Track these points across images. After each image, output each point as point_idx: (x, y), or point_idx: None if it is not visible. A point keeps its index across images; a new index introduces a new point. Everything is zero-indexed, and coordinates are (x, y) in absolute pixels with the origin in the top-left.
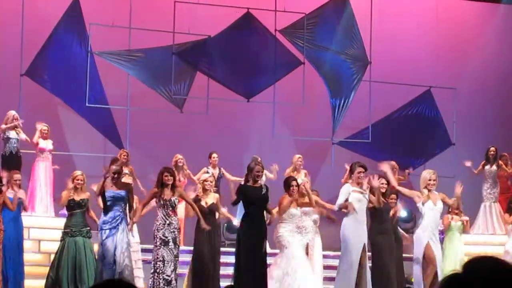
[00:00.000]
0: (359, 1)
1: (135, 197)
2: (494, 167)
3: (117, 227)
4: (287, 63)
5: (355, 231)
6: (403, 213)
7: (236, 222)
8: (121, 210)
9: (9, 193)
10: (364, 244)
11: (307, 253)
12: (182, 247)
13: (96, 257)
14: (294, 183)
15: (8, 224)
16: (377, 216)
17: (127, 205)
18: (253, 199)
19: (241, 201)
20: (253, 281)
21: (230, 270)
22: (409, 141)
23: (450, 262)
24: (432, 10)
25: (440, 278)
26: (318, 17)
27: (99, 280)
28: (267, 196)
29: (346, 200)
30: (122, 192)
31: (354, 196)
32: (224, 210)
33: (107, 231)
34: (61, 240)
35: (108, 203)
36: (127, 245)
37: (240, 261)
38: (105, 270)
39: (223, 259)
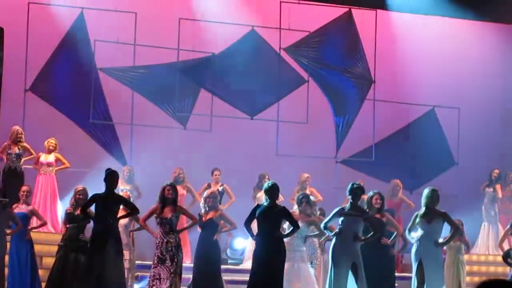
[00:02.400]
0: (364, 21)
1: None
2: (492, 189)
3: (105, 240)
4: (291, 81)
5: (344, 250)
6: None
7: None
8: (109, 222)
9: (20, 209)
10: (354, 262)
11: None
12: (186, 264)
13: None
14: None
15: (15, 241)
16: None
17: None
18: (261, 218)
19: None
20: None
21: None
22: (413, 161)
23: (448, 283)
24: (436, 30)
25: None
26: (323, 35)
27: None
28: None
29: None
30: (111, 203)
31: (344, 219)
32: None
33: (96, 244)
34: (56, 254)
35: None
36: (115, 259)
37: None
38: (90, 284)
39: (227, 276)
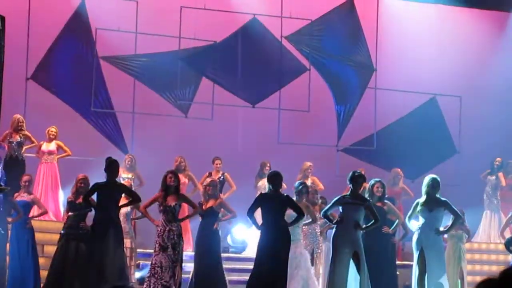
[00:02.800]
0: (365, 9)
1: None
2: (494, 177)
3: (106, 228)
4: (292, 69)
5: (345, 238)
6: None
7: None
8: (110, 210)
9: (21, 197)
10: (356, 250)
11: (312, 260)
12: (187, 252)
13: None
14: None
15: (16, 229)
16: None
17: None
18: (265, 207)
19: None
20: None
21: (235, 276)
22: (414, 149)
23: (448, 272)
24: (437, 18)
25: (428, 284)
26: (324, 24)
27: (84, 282)
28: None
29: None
30: (112, 192)
31: (345, 208)
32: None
33: (97, 232)
34: (57, 242)
35: (97, 202)
36: (116, 247)
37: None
38: (91, 272)
39: (228, 265)
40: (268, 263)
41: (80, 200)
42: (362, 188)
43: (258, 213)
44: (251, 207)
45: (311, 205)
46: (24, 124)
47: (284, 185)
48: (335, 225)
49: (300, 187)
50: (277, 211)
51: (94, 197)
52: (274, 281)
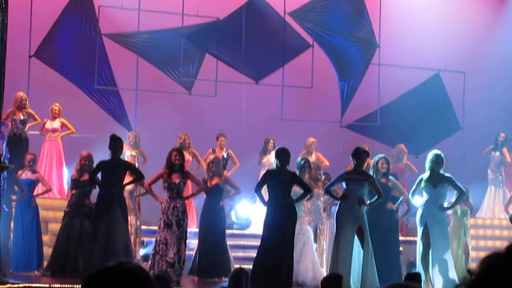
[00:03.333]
0: None
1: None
2: (498, 153)
3: (110, 206)
4: (296, 45)
5: (349, 214)
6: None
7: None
8: (114, 188)
9: (26, 175)
10: (360, 226)
11: (315, 236)
12: (191, 229)
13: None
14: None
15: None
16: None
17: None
18: (272, 184)
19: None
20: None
21: (239, 253)
22: (418, 125)
23: (452, 247)
24: None
25: (432, 260)
26: (328, 0)
27: (88, 259)
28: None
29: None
30: (117, 169)
31: (348, 184)
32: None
33: (101, 210)
34: (62, 220)
35: (102, 180)
36: (120, 224)
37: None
38: (96, 249)
39: (231, 241)
40: (275, 239)
41: (84, 177)
42: (366, 165)
43: (264, 190)
44: (259, 184)
45: (314, 181)
46: (27, 102)
47: None
48: (339, 201)
49: (302, 162)
50: (283, 188)
51: (99, 175)
52: (281, 257)
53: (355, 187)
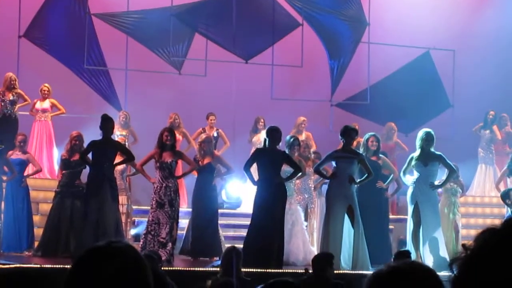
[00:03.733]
0: None
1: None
2: (488, 131)
3: (100, 186)
4: (285, 24)
5: (339, 192)
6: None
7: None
8: (104, 168)
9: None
10: (350, 205)
11: (306, 215)
12: (182, 209)
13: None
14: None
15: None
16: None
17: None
18: (262, 163)
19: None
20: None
21: (230, 232)
22: (408, 103)
23: (443, 225)
24: None
25: (423, 238)
26: None
27: (78, 240)
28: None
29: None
30: (107, 150)
31: (338, 162)
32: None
33: (92, 190)
34: (52, 200)
35: (92, 160)
36: (110, 204)
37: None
38: (86, 229)
39: (222, 220)
40: (265, 219)
41: (75, 157)
42: (356, 143)
43: (254, 169)
44: (248, 162)
45: (304, 159)
46: (16, 82)
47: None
48: (329, 180)
49: (292, 140)
50: (273, 166)
51: (90, 155)
52: (271, 237)
53: (345, 166)
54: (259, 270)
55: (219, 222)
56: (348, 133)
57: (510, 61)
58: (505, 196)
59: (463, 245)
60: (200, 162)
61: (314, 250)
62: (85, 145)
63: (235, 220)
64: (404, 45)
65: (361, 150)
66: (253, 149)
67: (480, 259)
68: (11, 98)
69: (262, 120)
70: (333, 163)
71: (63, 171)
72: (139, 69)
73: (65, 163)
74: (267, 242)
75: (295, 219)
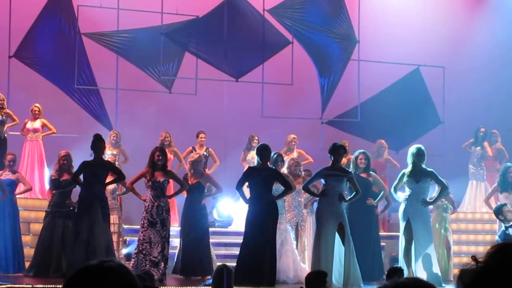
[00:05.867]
0: None
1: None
2: (479, 147)
3: (91, 205)
4: (275, 42)
5: (329, 210)
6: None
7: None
8: (95, 188)
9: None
10: (341, 222)
11: (296, 233)
12: (174, 228)
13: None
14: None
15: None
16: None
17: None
18: (253, 181)
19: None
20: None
21: (222, 251)
22: (398, 120)
23: (434, 242)
24: None
25: (415, 255)
26: None
27: (70, 259)
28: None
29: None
30: (98, 170)
31: (328, 180)
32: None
33: (83, 209)
34: (43, 220)
35: (83, 180)
36: (101, 224)
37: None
38: (78, 249)
39: (214, 239)
40: (257, 237)
41: (64, 177)
42: (347, 160)
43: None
44: (240, 181)
45: (294, 177)
46: (5, 102)
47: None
48: (319, 198)
49: (275, 156)
50: (264, 184)
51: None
52: (263, 255)
53: (334, 183)
54: None
55: (211, 240)
56: (337, 151)
57: (500, 77)
58: (498, 211)
59: (474, 258)
60: (190, 181)
61: (306, 267)
62: (74, 164)
63: (227, 238)
64: (394, 62)
65: (351, 168)
66: (246, 167)
67: (494, 272)
68: (0, 118)
69: (256, 138)
70: (323, 181)
71: (53, 191)
72: (130, 89)
73: (55, 183)
74: (259, 260)
75: (284, 238)
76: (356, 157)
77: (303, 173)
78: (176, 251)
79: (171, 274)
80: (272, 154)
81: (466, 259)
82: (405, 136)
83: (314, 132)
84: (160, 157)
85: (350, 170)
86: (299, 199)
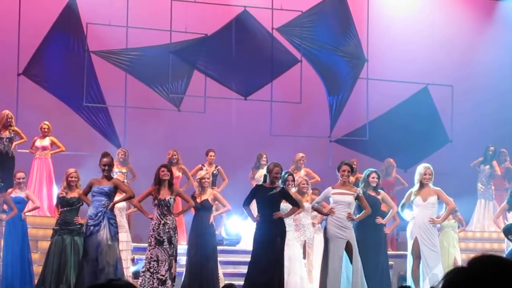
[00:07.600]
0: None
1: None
2: (488, 166)
3: (100, 223)
4: (284, 61)
5: (337, 229)
6: None
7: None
8: (103, 206)
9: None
10: (349, 241)
11: (304, 251)
12: (182, 246)
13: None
14: (290, 177)
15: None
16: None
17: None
18: (261, 199)
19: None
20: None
21: (229, 269)
22: (407, 138)
23: (443, 260)
24: (428, 7)
25: (423, 273)
26: (315, 15)
27: (78, 278)
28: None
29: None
30: (106, 188)
31: (336, 199)
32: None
33: (91, 228)
34: (51, 238)
35: (91, 198)
36: (110, 242)
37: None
38: (86, 267)
39: (222, 257)
40: (265, 255)
41: (72, 194)
42: (355, 179)
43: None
44: (247, 199)
45: (302, 195)
46: (13, 119)
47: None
48: (327, 216)
49: (286, 175)
50: (272, 203)
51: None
52: (271, 273)
53: (343, 202)
54: None
55: (219, 259)
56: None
57: (508, 95)
58: (507, 231)
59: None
60: (198, 199)
61: (314, 287)
62: (82, 182)
63: (235, 257)
64: (402, 80)
65: (361, 186)
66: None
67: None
68: (8, 135)
69: (264, 156)
70: (331, 200)
71: (61, 209)
72: (138, 106)
73: (62, 201)
74: (267, 279)
75: (292, 254)
76: (368, 175)
77: (311, 191)
78: (184, 269)
79: None
80: (283, 173)
81: None
82: (414, 155)
83: (322, 150)
84: (166, 173)
85: (358, 188)
86: (307, 217)
